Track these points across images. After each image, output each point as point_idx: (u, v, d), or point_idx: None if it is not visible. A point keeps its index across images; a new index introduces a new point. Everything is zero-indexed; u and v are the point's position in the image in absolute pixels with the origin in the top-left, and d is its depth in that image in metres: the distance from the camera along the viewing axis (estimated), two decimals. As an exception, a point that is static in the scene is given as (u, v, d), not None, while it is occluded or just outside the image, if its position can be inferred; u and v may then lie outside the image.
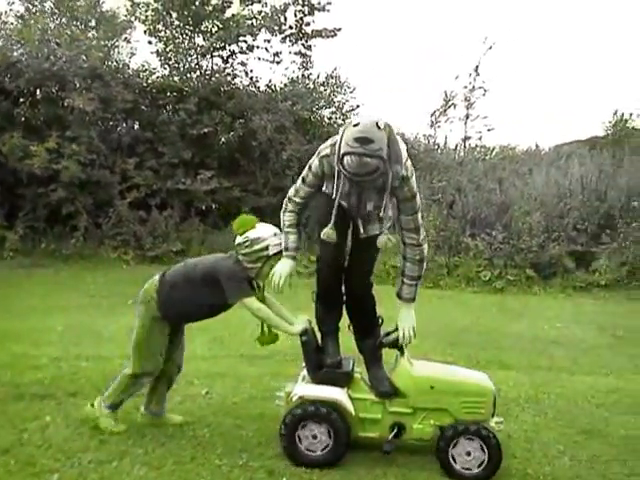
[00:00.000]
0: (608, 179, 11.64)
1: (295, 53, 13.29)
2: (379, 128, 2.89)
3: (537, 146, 17.48)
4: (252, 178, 12.20)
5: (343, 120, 13.84)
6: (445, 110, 14.89)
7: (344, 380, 3.42)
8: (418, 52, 28.24)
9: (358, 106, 14.36)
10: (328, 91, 14.03)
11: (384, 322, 3.57)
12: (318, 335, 3.61)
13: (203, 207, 11.54)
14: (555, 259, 9.73)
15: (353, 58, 26.35)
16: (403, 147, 3.09)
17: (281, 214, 3.44)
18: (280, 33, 13.00)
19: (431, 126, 15.05)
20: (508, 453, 3.52)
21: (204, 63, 13.08)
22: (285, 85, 13.53)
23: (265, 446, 3.51)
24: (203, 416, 3.89)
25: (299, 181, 3.41)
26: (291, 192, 3.44)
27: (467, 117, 14.48)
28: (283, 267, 3.36)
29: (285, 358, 5.11)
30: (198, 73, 12.95)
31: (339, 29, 13.16)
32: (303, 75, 13.65)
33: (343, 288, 3.57)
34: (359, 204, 3.21)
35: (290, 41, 13.15)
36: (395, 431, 3.33)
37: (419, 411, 3.36)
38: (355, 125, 2.92)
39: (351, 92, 14.37)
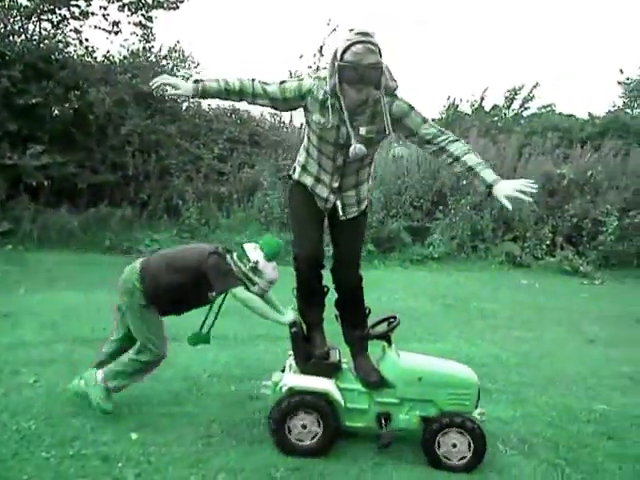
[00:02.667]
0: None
1: (135, 24, 12.64)
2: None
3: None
4: (89, 154, 11.43)
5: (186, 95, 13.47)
6: (290, 89, 15.00)
7: (332, 371, 3.46)
8: (263, 29, 28.11)
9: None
10: (171, 65, 13.54)
11: (370, 312, 3.62)
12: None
13: (34, 184, 10.68)
14: (394, 234, 10.25)
15: (199, 32, 25.65)
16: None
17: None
18: (117, 0, 12.27)
19: (276, 105, 15.10)
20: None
21: (30, 27, 12.00)
22: (125, 57, 12.83)
23: (100, 432, 3.36)
24: (29, 407, 3.62)
25: (271, 83, 3.25)
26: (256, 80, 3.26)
27: (312, 96, 14.70)
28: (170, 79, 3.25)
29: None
30: (23, 37, 11.86)
31: (182, 1, 12.71)
32: (144, 48, 13.03)
33: (330, 281, 3.56)
34: (348, 136, 3.09)
35: (130, 10, 12.46)
36: (382, 422, 3.37)
37: (406, 402, 3.42)
38: (351, 30, 2.92)
39: (195, 67, 14.00)
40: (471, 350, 5.49)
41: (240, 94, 3.24)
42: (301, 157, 3.49)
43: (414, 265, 9.90)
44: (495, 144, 13.24)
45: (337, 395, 3.36)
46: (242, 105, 13.84)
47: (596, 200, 11.07)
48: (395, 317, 3.67)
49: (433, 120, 3.28)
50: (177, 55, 13.70)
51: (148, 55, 13.09)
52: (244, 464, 3.19)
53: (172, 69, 13.52)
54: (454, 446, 3.34)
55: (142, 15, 12.56)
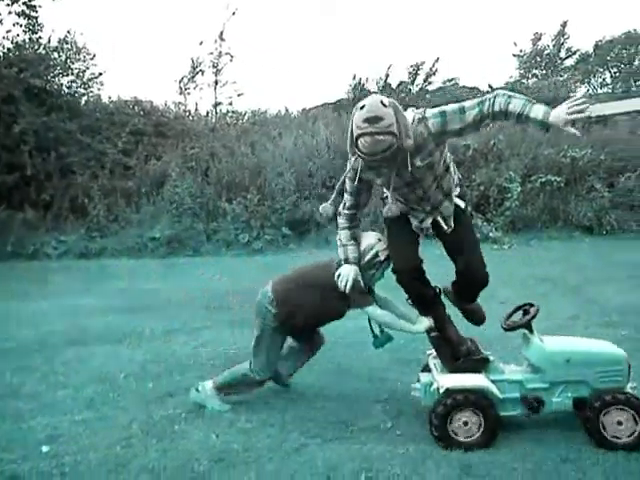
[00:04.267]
0: (350, 138, 12.50)
1: (17, 14, 11.92)
2: (385, 105, 2.88)
3: (287, 109, 18.19)
4: (-20, 155, 10.81)
5: (85, 89, 12.90)
6: (193, 77, 14.70)
7: (482, 365, 3.49)
8: (162, 17, 27.34)
9: (100, 74, 13.46)
10: (63, 57, 12.89)
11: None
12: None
13: None
14: (308, 216, 10.27)
15: (93, 22, 24.61)
16: (409, 116, 3.08)
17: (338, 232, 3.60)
18: (-5, -11, 11.56)
19: (180, 93, 14.78)
20: (273, 405, 3.63)
21: None
22: (9, 50, 12.09)
23: (7, 449, 3.18)
24: None
25: (344, 195, 3.50)
26: (340, 207, 3.55)
27: (216, 83, 14.48)
28: (348, 272, 3.48)
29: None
30: None
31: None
32: (30, 39, 12.32)
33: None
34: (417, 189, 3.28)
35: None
36: (534, 406, 3.37)
37: (557, 385, 3.40)
38: (362, 107, 2.90)
39: (91, 59, 13.40)
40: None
41: (354, 223, 3.65)
42: (389, 201, 3.60)
43: (330, 245, 9.96)
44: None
45: (494, 389, 3.36)
46: (144, 95, 13.43)
47: (500, 168, 11.48)
48: (532, 304, 3.63)
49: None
50: (69, 47, 13.03)
51: (36, 47, 12.40)
52: (166, 462, 3.10)
53: (65, 62, 12.88)
54: (619, 424, 3.29)
55: (24, 4, 11.85)
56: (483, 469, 3.08)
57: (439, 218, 3.45)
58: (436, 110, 3.13)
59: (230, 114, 15.32)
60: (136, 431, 3.43)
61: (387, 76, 21.74)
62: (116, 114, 12.22)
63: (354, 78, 20.77)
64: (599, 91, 33.07)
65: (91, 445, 3.26)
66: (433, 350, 3.75)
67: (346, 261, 3.55)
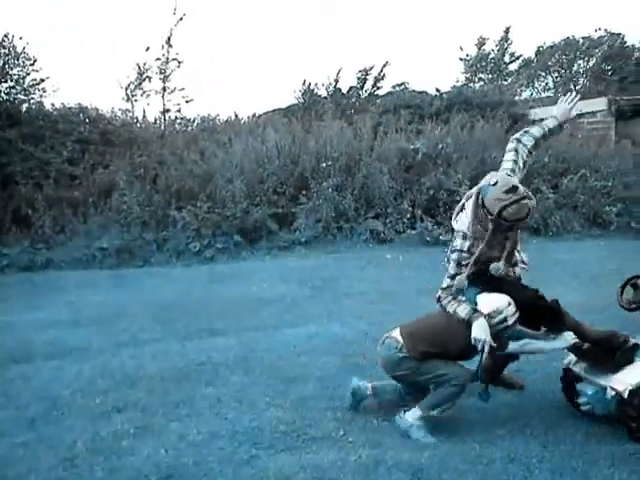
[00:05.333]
0: (300, 144, 12.51)
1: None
2: (511, 176, 3.45)
3: (236, 115, 18.05)
4: None
5: (25, 95, 12.52)
6: (140, 83, 14.45)
7: (636, 351, 3.43)
8: (106, 21, 26.82)
9: (42, 80, 13.05)
10: (1, 62, 12.42)
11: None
12: None
13: None
14: (259, 223, 10.21)
15: (36, 28, 23.96)
16: None
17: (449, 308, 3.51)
18: None
19: (127, 100, 14.49)
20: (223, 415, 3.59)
21: None
22: None
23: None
24: None
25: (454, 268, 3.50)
26: (443, 285, 3.54)
27: (164, 90, 14.26)
28: (483, 334, 3.34)
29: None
30: None
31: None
32: (-43, 43, 11.85)
33: None
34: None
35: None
36: None
37: None
38: (494, 184, 3.26)
39: (31, 64, 12.97)
40: (341, 329, 5.59)
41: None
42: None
43: (282, 252, 9.93)
44: (351, 125, 13.55)
45: None
46: (90, 102, 13.13)
47: (448, 171, 11.65)
48: None
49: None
50: (7, 52, 12.57)
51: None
52: (112, 481, 3.02)
53: (3, 67, 12.44)
54: None
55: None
56: (434, 473, 3.10)
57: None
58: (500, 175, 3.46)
59: (179, 121, 15.10)
60: (81, 450, 3.33)
61: (337, 81, 21.84)
62: (60, 122, 11.88)
63: (304, 83, 20.76)
64: (542, 95, 33.93)
65: (31, 469, 3.14)
66: (570, 357, 3.67)
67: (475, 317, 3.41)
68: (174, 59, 13.90)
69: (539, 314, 3.54)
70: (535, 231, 11.21)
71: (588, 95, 25.34)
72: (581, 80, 33.56)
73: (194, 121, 16.27)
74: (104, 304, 6.96)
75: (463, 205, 3.56)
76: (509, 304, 3.36)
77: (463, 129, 13.19)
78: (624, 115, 16.90)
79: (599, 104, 16.71)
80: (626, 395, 3.28)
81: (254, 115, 18.31)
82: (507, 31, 32.99)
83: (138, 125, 14.21)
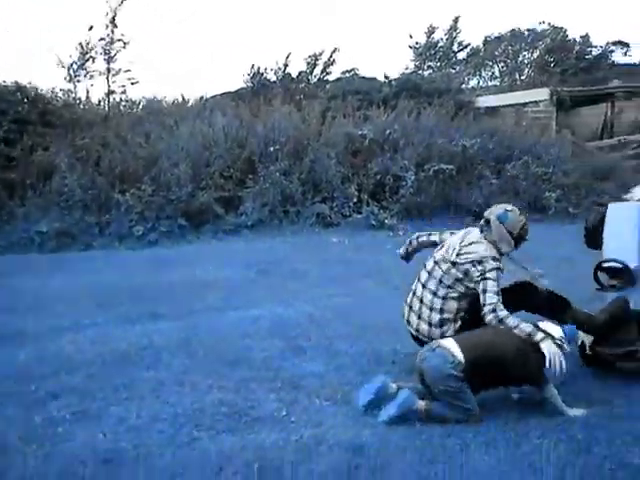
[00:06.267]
0: (248, 128, 12.40)
1: None
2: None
3: (184, 98, 17.71)
4: None
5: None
6: (83, 64, 14.03)
7: None
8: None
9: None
10: None
11: None
12: None
13: None
14: (205, 206, 10.10)
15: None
16: None
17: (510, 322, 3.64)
18: None
19: (69, 80, 14.04)
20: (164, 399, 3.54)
21: None
22: None
23: None
24: None
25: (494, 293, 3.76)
26: (493, 301, 3.73)
27: (108, 71, 13.89)
28: (556, 352, 3.50)
29: None
30: None
31: None
32: None
33: None
34: None
35: None
36: None
37: None
38: (510, 210, 3.98)
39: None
40: (286, 312, 5.59)
41: None
42: None
43: (228, 235, 9.85)
44: (300, 110, 13.50)
45: None
46: (30, 80, 12.64)
47: (395, 157, 11.76)
48: None
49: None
50: None
51: None
52: (47, 469, 2.94)
53: None
54: None
55: None
56: (374, 450, 3.14)
57: None
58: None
59: (124, 103, 14.74)
60: (12, 439, 3.22)
61: (286, 66, 21.70)
62: (-5, 101, 11.44)
63: (252, 68, 20.53)
64: (489, 84, 34.57)
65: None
66: None
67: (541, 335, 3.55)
68: (119, 40, 13.54)
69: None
70: (478, 215, 11.41)
71: (532, 85, 26.02)
72: (526, 70, 34.38)
73: (139, 103, 15.92)
74: (43, 289, 6.77)
75: (462, 240, 3.97)
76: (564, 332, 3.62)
77: (410, 115, 13.31)
78: (564, 105, 17.41)
79: (542, 94, 17.17)
80: None
81: (202, 98, 18.03)
82: (456, 20, 33.37)
83: (81, 106, 13.80)
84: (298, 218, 10.58)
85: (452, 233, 4.17)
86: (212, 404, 3.64)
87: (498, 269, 3.81)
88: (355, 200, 10.97)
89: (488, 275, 3.77)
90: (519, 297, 4.00)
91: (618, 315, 3.96)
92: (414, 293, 4.11)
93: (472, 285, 3.84)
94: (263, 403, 3.70)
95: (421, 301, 4.02)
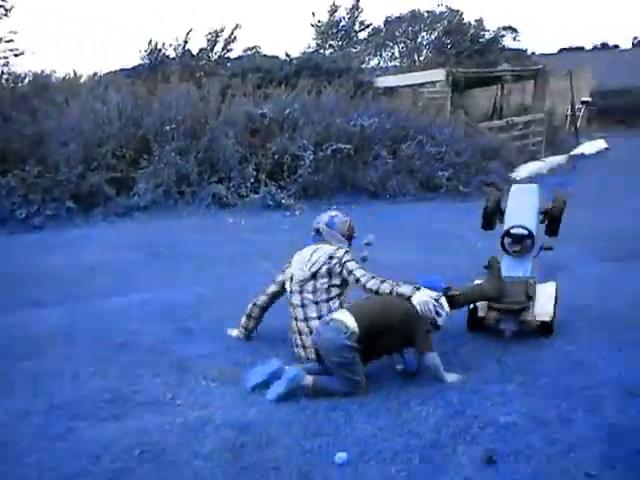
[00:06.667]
0: (144, 106, 11.95)
1: None
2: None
3: (75, 74, 16.82)
4: None
5: None
6: (-43, 32, 12.96)
7: None
8: None
9: None
10: None
11: None
12: None
13: None
14: (95, 188, 9.65)
15: None
16: None
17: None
18: None
19: (-58, 50, 12.95)
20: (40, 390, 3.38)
21: None
22: None
23: None
24: None
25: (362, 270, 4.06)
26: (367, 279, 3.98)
27: (-11, 39, 12.93)
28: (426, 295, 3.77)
29: None
30: None
31: None
32: None
33: None
34: None
35: None
36: None
37: None
38: (335, 215, 4.38)
39: None
40: (176, 294, 5.48)
41: None
42: None
43: (120, 218, 9.47)
44: (199, 88, 13.18)
45: None
46: None
47: (294, 136, 11.72)
48: None
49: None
50: None
51: None
52: None
53: None
54: None
55: None
56: (260, 427, 3.16)
57: None
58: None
59: (6, 76, 13.76)
60: None
61: (186, 42, 21.07)
62: None
63: (150, 43, 19.77)
64: (389, 64, 35.21)
65: None
66: None
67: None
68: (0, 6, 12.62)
69: None
70: (373, 194, 11.68)
71: (430, 66, 26.74)
72: (424, 52, 35.29)
73: (25, 77, 14.95)
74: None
75: (306, 255, 4.15)
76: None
77: (310, 94, 13.29)
78: (459, 87, 18.01)
79: (438, 75, 17.65)
80: None
81: (95, 74, 17.20)
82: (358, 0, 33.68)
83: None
84: (194, 199, 10.32)
85: (288, 266, 4.26)
86: (93, 392, 3.54)
87: (348, 252, 4.14)
88: (252, 180, 10.84)
89: (345, 261, 4.06)
90: None
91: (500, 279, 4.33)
92: (297, 328, 4.10)
93: (340, 277, 4.07)
94: (148, 387, 3.64)
95: (307, 320, 4.05)
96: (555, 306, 4.32)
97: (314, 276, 4.06)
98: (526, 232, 4.42)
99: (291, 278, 4.16)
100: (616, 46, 70.75)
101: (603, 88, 28.44)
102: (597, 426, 3.06)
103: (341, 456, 2.87)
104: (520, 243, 4.47)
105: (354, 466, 2.80)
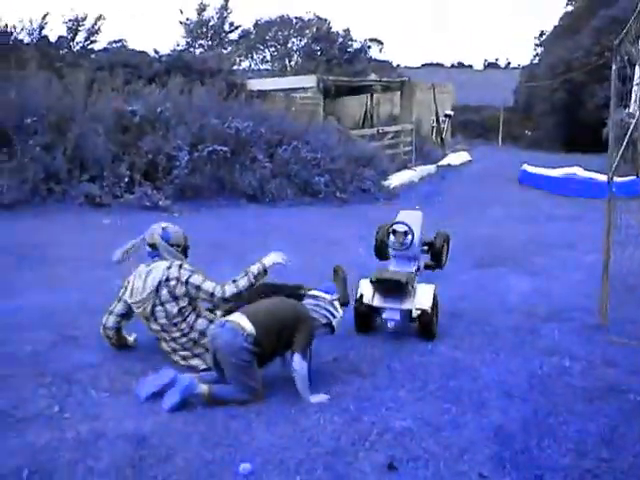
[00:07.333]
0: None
1: None
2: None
3: None
4: None
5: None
6: None
7: None
8: None
9: None
10: None
11: None
12: None
13: None
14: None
15: None
16: None
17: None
18: None
19: None
20: None
21: None
22: None
23: None
24: None
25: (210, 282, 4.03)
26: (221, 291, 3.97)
27: None
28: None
29: None
30: None
31: None
32: None
33: None
34: None
35: None
36: None
37: None
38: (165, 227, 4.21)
39: None
40: (54, 300, 5.16)
41: None
42: None
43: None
44: (62, 79, 12.43)
45: None
46: None
47: (167, 136, 11.42)
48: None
49: None
50: None
51: None
52: None
53: None
54: None
55: None
56: (158, 438, 3.08)
57: None
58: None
59: None
60: None
61: (42, 28, 19.83)
62: None
63: (-1, 23, 18.31)
64: (261, 67, 35.39)
65: None
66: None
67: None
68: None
69: None
70: (252, 198, 11.69)
71: (301, 71, 27.21)
72: (295, 57, 35.87)
73: None
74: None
75: (139, 282, 3.96)
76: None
77: (182, 93, 13.02)
78: (330, 94, 18.51)
79: (310, 81, 18.01)
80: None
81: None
82: (227, 0, 33.49)
83: None
84: (65, 197, 9.72)
85: (127, 284, 4.11)
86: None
87: (181, 266, 3.98)
88: (127, 180, 10.43)
89: (184, 278, 3.95)
90: None
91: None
92: (168, 346, 4.03)
93: (187, 297, 3.96)
94: (31, 401, 3.43)
95: (174, 340, 3.99)
96: (434, 304, 4.64)
97: (161, 303, 3.92)
98: (407, 228, 4.74)
99: (136, 303, 3.96)
100: (470, 66, 76.35)
101: (462, 104, 30.56)
102: (485, 428, 3.28)
103: (245, 467, 2.86)
104: (403, 237, 4.76)
105: (258, 476, 2.80)
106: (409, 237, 4.72)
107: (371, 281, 4.64)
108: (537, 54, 44.17)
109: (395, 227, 4.78)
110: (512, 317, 5.24)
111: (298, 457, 2.95)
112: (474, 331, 4.86)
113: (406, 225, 4.75)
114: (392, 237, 4.78)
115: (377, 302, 4.66)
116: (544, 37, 43.40)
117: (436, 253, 4.90)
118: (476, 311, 5.36)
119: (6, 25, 18.07)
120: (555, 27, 40.80)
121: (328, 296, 3.90)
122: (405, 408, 3.49)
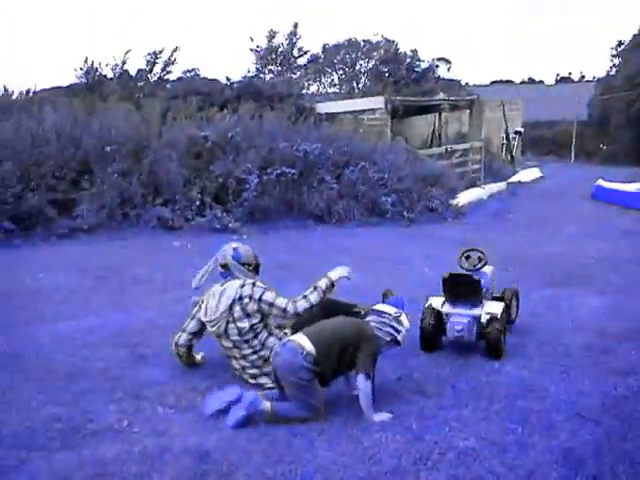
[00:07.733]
0: (83, 126, 11.71)
1: None
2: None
3: (6, 90, 16.31)
4: None
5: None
6: None
7: None
8: None
9: None
10: None
11: None
12: None
13: None
14: (35, 209, 9.37)
15: None
16: None
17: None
18: None
19: None
20: None
21: None
22: None
23: None
24: None
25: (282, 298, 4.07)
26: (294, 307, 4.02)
27: None
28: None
29: None
30: None
31: None
32: None
33: None
34: None
35: None
36: None
37: None
38: (237, 248, 4.27)
39: None
40: (126, 319, 5.36)
41: None
42: None
43: (62, 240, 9.20)
44: (139, 109, 13.01)
45: None
46: None
47: (238, 160, 11.73)
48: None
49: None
50: None
51: None
52: None
53: None
54: None
55: None
56: (220, 454, 3.13)
57: None
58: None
59: None
60: None
61: (124, 62, 20.82)
62: None
63: (86, 61, 19.43)
64: (329, 90, 35.82)
65: None
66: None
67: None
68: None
69: None
70: (319, 219, 11.78)
71: (369, 93, 27.36)
72: (362, 79, 36.10)
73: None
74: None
75: (213, 301, 4.05)
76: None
77: (253, 118, 13.35)
78: (398, 114, 18.49)
79: (378, 102, 18.06)
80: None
81: (28, 92, 16.75)
82: (296, 26, 34.18)
83: None
84: (138, 221, 10.14)
85: (201, 303, 4.20)
86: (44, 421, 3.42)
87: (254, 284, 4.06)
88: (198, 203, 10.77)
89: (257, 295, 4.01)
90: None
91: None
92: (239, 364, 4.09)
93: (259, 314, 4.02)
94: (102, 415, 3.55)
95: (244, 357, 4.05)
96: (504, 319, 4.62)
97: (234, 320, 3.99)
98: (480, 254, 4.98)
99: (211, 322, 4.05)
100: (541, 81, 74.63)
101: (533, 120, 29.89)
102: (553, 450, 3.16)
103: (306, 484, 2.87)
104: (476, 262, 4.95)
105: (319, 494, 2.80)
106: (482, 263, 4.91)
107: (444, 279, 4.66)
108: (614, 65, 42.63)
109: (470, 253, 5.02)
110: (585, 336, 5.02)
111: (359, 475, 2.93)
112: (544, 350, 4.69)
113: (480, 252, 5.00)
114: (465, 261, 4.97)
115: (446, 308, 4.69)
116: (622, 47, 41.87)
117: (506, 307, 4.85)
118: (547, 330, 5.18)
119: (92, 62, 19.08)
120: (635, 36, 39.27)
121: (393, 310, 3.87)
122: (469, 428, 3.40)
